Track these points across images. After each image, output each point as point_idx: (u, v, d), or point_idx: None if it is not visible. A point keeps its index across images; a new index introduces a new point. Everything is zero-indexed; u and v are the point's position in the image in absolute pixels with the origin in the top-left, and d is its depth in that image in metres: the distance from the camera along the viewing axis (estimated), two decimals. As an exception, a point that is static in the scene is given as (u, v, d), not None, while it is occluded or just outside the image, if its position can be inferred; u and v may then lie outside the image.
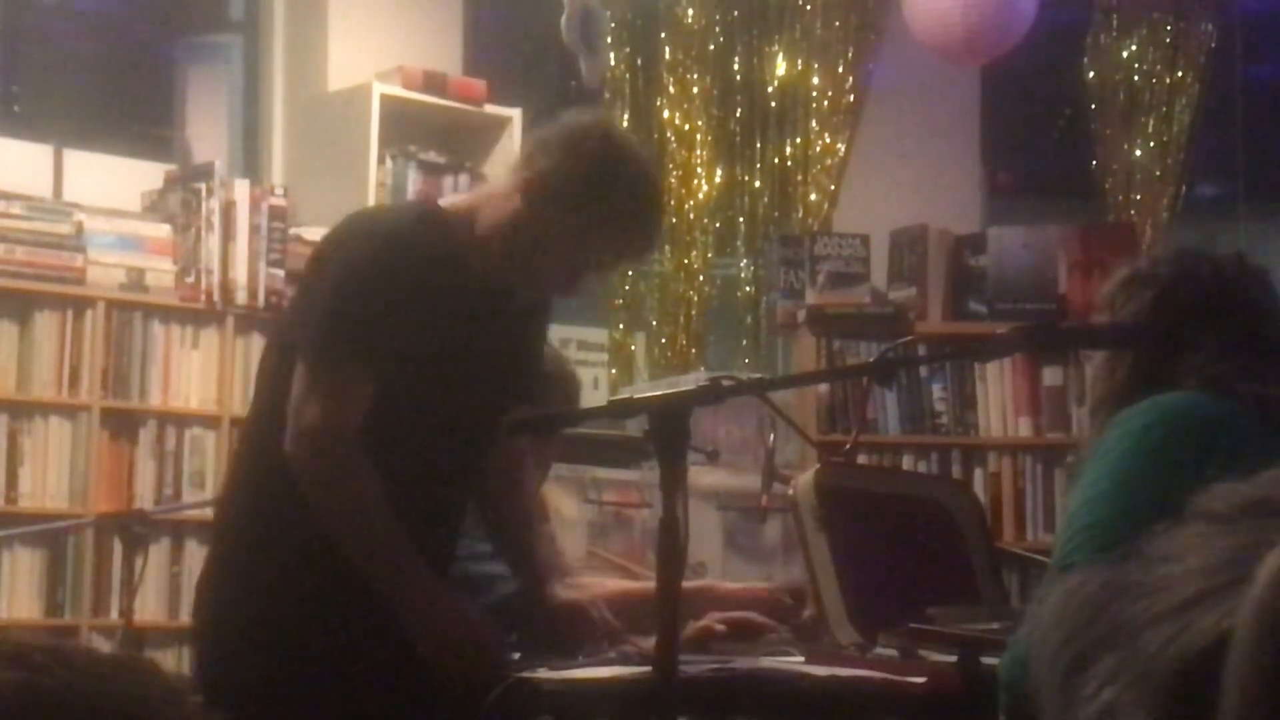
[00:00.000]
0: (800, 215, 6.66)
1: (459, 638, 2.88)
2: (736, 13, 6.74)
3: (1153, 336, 2.66)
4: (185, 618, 5.51)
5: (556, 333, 6.77)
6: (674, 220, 6.65)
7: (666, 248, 6.67)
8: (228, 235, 5.72)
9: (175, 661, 5.33)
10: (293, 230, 5.78)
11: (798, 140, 6.72)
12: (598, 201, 2.95)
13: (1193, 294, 2.70)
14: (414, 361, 2.91)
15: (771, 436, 3.97)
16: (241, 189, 5.79)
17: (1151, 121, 6.64)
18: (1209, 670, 0.93)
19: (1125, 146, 6.66)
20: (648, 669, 2.61)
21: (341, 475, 2.86)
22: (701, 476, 5.00)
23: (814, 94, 6.70)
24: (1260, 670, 0.90)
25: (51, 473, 5.48)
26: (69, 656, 1.19)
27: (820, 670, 2.94)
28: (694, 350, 6.64)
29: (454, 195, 3.13)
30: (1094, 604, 1.08)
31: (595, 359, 6.70)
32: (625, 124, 6.64)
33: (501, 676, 2.87)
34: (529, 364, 3.19)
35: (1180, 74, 6.64)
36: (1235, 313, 2.69)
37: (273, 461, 2.90)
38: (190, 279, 5.69)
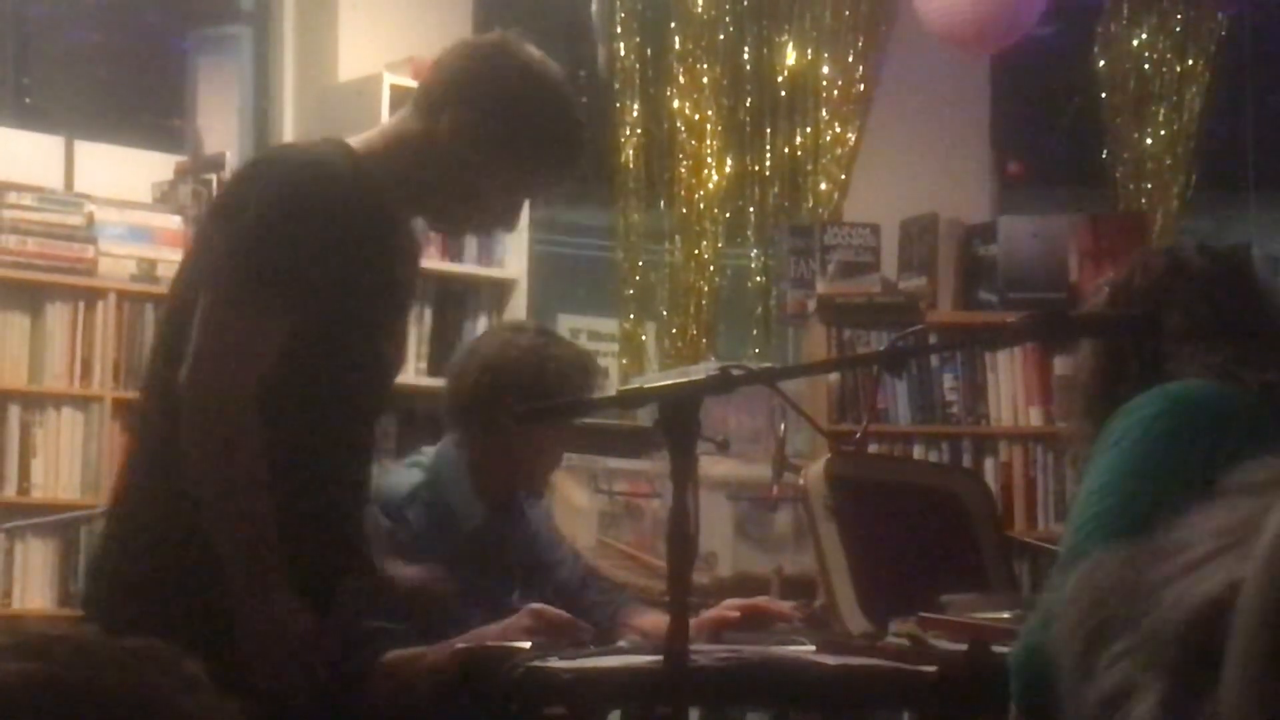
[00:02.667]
0: (810, 205, 6.65)
1: (276, 640, 2.73)
2: (746, 2, 6.73)
3: (1160, 325, 2.67)
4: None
5: (567, 323, 6.80)
6: (684, 210, 6.66)
7: (676, 238, 6.68)
8: (238, 226, 5.72)
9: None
10: (303, 221, 5.77)
11: (808, 130, 6.71)
12: (528, 136, 2.91)
13: (1191, 285, 2.70)
14: (329, 302, 2.78)
15: (782, 426, 3.98)
16: (252, 180, 5.79)
17: (1162, 110, 6.63)
18: (1217, 620, 0.94)
19: (1136, 135, 6.65)
20: (659, 658, 2.61)
21: (227, 438, 2.69)
22: (712, 466, 5.00)
23: (824, 83, 6.70)
24: (1266, 615, 0.91)
25: (64, 464, 5.49)
26: (89, 648, 1.19)
27: (831, 659, 2.95)
28: (704, 340, 6.64)
29: (361, 135, 2.93)
30: (1110, 581, 1.09)
31: (606, 349, 6.70)
32: (635, 113, 6.65)
33: (299, 690, 2.77)
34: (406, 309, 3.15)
35: (1191, 62, 6.63)
36: (1234, 302, 2.69)
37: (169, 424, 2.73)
38: (201, 270, 5.69)
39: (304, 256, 2.75)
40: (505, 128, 2.90)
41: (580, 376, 3.55)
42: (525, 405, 3.34)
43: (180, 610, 2.69)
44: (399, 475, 3.55)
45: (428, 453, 3.66)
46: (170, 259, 5.67)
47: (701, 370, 4.49)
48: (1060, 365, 5.84)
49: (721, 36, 6.71)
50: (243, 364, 2.71)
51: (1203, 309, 2.66)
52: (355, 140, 2.94)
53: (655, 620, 3.60)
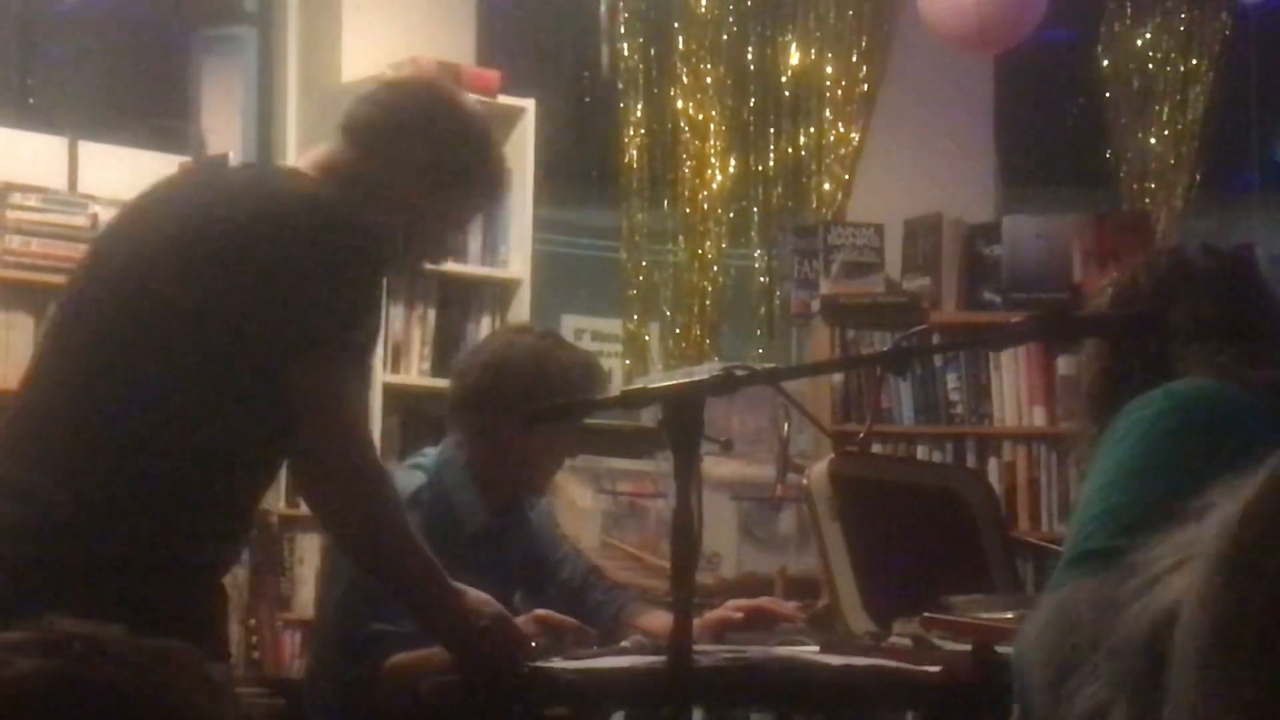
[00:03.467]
0: (814, 205, 6.65)
1: (481, 626, 2.88)
2: (750, 2, 6.73)
3: (1164, 325, 2.67)
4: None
5: (571, 323, 6.81)
6: (688, 210, 6.66)
7: (680, 238, 6.68)
8: (242, 227, 5.72)
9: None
10: (307, 221, 5.77)
11: (811, 130, 6.71)
12: (464, 173, 2.98)
13: (1195, 285, 2.71)
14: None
15: (786, 426, 3.98)
16: (256, 180, 5.80)
17: (1166, 110, 6.62)
18: (1170, 631, 0.96)
19: (1140, 135, 6.64)
20: (663, 659, 2.61)
21: (387, 492, 2.83)
22: (716, 466, 5.01)
23: (828, 83, 6.70)
24: (1201, 623, 0.93)
25: (68, 464, 5.49)
26: (108, 646, 1.19)
27: (835, 659, 2.95)
28: (708, 340, 6.64)
29: (309, 164, 2.95)
30: (1080, 607, 1.11)
31: (609, 349, 6.71)
32: (639, 113, 6.65)
33: (523, 662, 2.89)
34: None
35: (1195, 62, 6.62)
36: (1238, 302, 2.70)
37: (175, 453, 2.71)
38: (205, 270, 5.69)
39: (371, 313, 2.83)
40: (441, 169, 2.96)
41: (583, 378, 3.55)
42: (528, 407, 3.34)
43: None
44: (401, 477, 3.54)
45: (430, 454, 3.66)
46: (174, 260, 5.68)
47: (705, 370, 4.48)
48: (1064, 365, 5.84)
49: (725, 36, 6.71)
50: (364, 419, 2.86)
51: (1207, 309, 2.67)
52: (309, 169, 2.95)
53: (659, 620, 3.60)
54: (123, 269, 2.84)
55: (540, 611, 3.33)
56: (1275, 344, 2.67)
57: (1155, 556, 1.04)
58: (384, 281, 2.85)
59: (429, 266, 3.19)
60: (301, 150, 6.20)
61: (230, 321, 2.72)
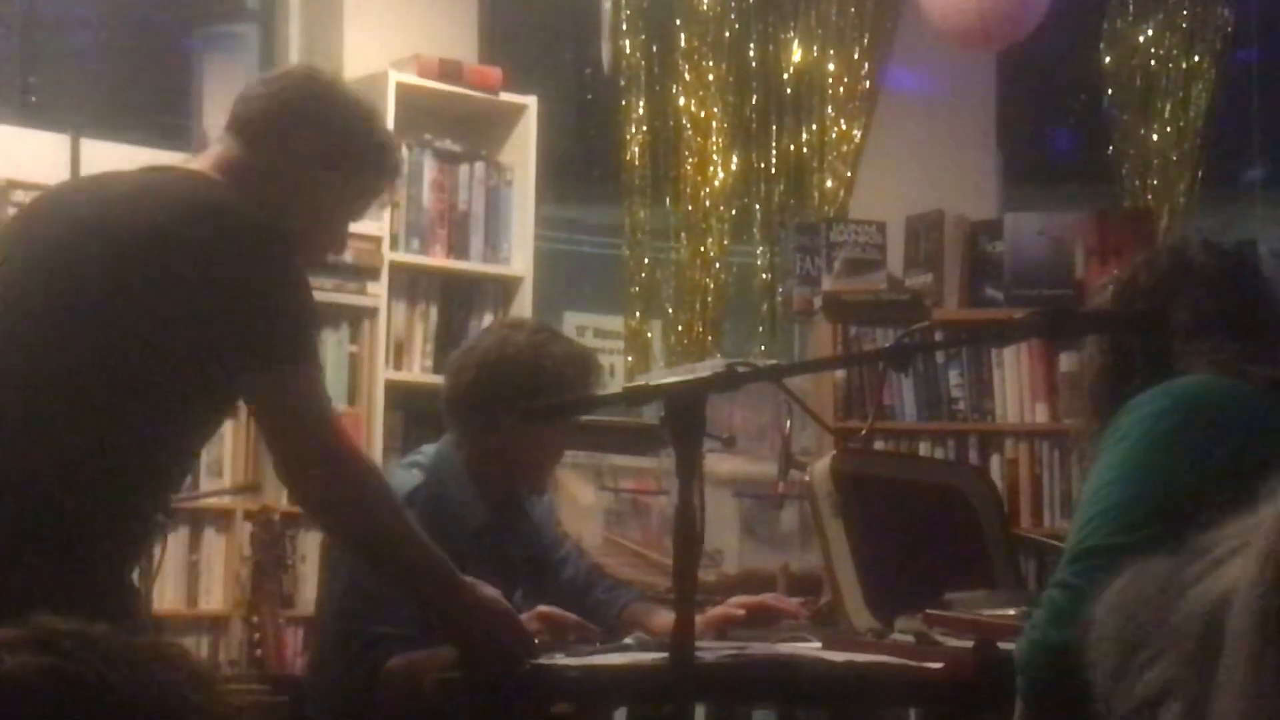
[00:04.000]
0: (816, 202, 6.65)
1: (487, 622, 2.88)
2: (752, -1, 6.74)
3: (1166, 322, 2.67)
4: (204, 605, 5.53)
5: (573, 320, 6.81)
6: (690, 207, 6.66)
7: (682, 235, 6.68)
8: (244, 224, 5.72)
9: (195, 649, 5.34)
10: (309, 218, 5.78)
11: (813, 127, 6.71)
12: (354, 161, 2.99)
13: (1196, 281, 2.71)
14: None
15: (788, 423, 3.97)
16: (258, 177, 5.80)
17: (1168, 106, 6.62)
18: (1219, 624, 0.97)
19: (1142, 131, 6.64)
20: (665, 655, 2.61)
21: (377, 484, 2.85)
22: (718, 463, 5.01)
23: (829, 80, 6.70)
24: (1253, 616, 0.93)
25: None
26: (98, 642, 1.19)
27: (837, 656, 2.95)
28: (710, 337, 6.64)
29: (191, 164, 3.03)
30: (1146, 589, 1.12)
31: (611, 346, 6.71)
32: (641, 111, 6.65)
33: (528, 658, 2.89)
34: None
35: (1197, 58, 6.62)
36: (1239, 298, 2.70)
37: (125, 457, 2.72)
38: (207, 268, 5.69)
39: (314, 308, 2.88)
40: (330, 149, 2.97)
41: (578, 373, 3.54)
42: (526, 403, 3.34)
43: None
44: (398, 476, 3.54)
45: (427, 452, 3.66)
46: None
47: (707, 367, 4.48)
48: (1066, 362, 5.84)
49: (727, 34, 6.71)
50: (334, 416, 2.85)
51: (1208, 305, 2.67)
52: (208, 169, 2.96)
53: (661, 618, 3.60)
54: (35, 271, 2.82)
55: (543, 608, 3.33)
56: (1276, 340, 2.67)
57: (1218, 539, 1.04)
58: (305, 277, 2.85)
59: (329, 257, 3.18)
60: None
61: (156, 333, 2.73)
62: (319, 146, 2.96)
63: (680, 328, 6.66)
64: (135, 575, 2.95)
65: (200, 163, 3.00)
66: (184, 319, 2.73)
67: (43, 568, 2.63)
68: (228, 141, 2.99)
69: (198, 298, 2.73)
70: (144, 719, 1.17)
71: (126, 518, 2.77)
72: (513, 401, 3.41)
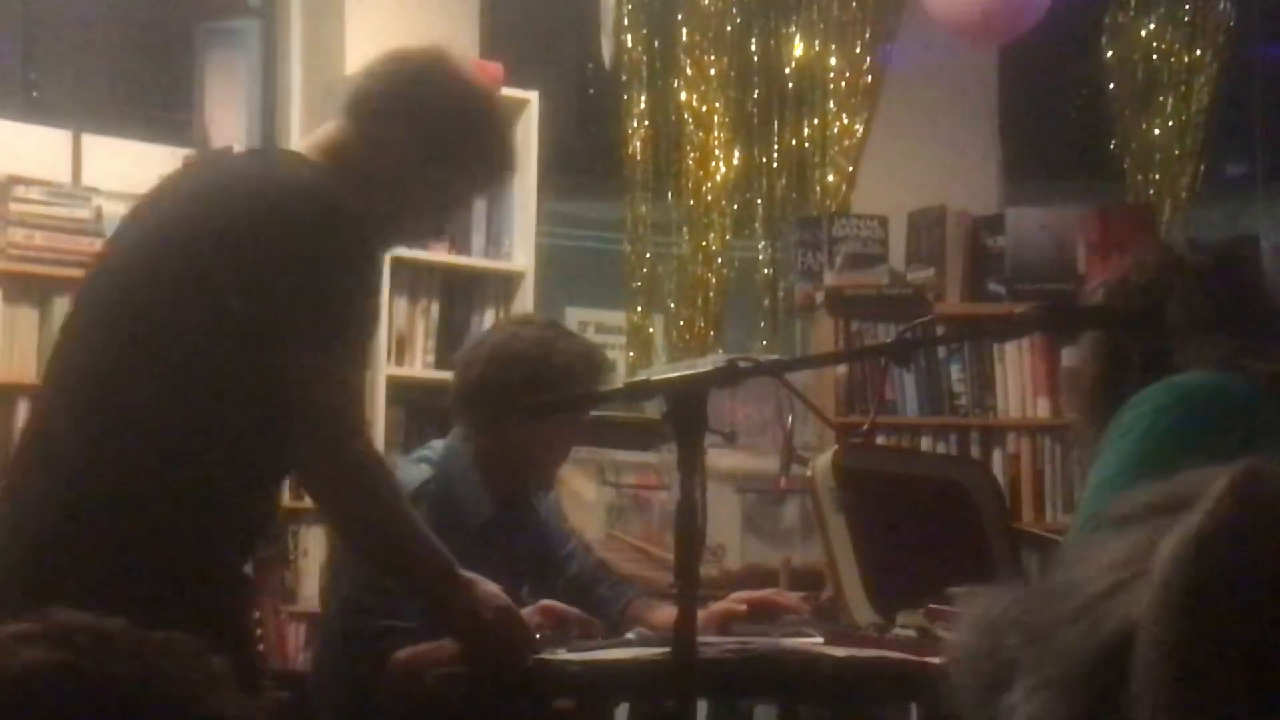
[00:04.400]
0: (818, 197, 6.65)
1: (488, 618, 2.87)
2: (753, -6, 6.73)
3: (1168, 318, 2.67)
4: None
5: (575, 315, 6.81)
6: (691, 202, 6.66)
7: (684, 229, 6.68)
8: (246, 219, 5.73)
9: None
10: (311, 214, 5.78)
11: (815, 122, 6.71)
12: (468, 150, 2.92)
13: (1187, 279, 2.71)
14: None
15: (790, 418, 3.97)
16: (259, 173, 5.80)
17: (1170, 101, 6.62)
18: (1119, 660, 0.95)
19: (1144, 126, 6.64)
20: (667, 650, 2.61)
21: (387, 482, 2.81)
22: (720, 458, 5.01)
23: (831, 75, 6.69)
24: (1163, 652, 0.92)
25: (72, 457, 5.50)
26: (112, 638, 1.19)
27: (839, 651, 2.95)
28: (712, 332, 6.64)
29: (308, 146, 2.96)
30: (1005, 620, 1.09)
31: (613, 341, 6.71)
32: (642, 105, 6.65)
33: (529, 654, 2.89)
34: None
35: (1199, 53, 6.62)
36: (1232, 294, 2.70)
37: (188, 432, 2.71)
38: (209, 263, 5.70)
39: (369, 304, 2.81)
40: (440, 141, 2.90)
41: (586, 370, 3.54)
42: (532, 399, 3.34)
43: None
44: (406, 470, 3.54)
45: (435, 447, 3.66)
46: (178, 252, 5.68)
47: (709, 362, 4.48)
48: (1068, 357, 5.83)
49: (729, 28, 6.71)
50: (360, 410, 2.80)
51: (1201, 303, 2.67)
52: (307, 151, 2.93)
53: (664, 614, 3.60)
54: (128, 263, 2.85)
55: (546, 602, 3.33)
56: (1273, 335, 2.67)
57: (1088, 576, 1.01)
58: (375, 267, 2.82)
59: (421, 243, 3.14)
60: (306, 132, 6.22)
61: (220, 314, 2.71)
62: (428, 136, 2.89)
63: (682, 323, 6.66)
64: (242, 567, 2.90)
65: (308, 140, 2.97)
66: (237, 297, 2.70)
67: (138, 559, 2.65)
68: (339, 119, 2.94)
69: (248, 275, 2.71)
70: (155, 715, 1.17)
71: (217, 507, 2.75)
72: (521, 397, 3.41)
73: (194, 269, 2.74)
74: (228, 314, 2.71)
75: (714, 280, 6.66)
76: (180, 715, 1.18)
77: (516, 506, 3.66)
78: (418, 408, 5.73)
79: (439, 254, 5.93)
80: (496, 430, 3.55)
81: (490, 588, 2.91)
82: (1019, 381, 5.99)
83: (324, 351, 2.71)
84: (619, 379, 6.10)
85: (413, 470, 3.55)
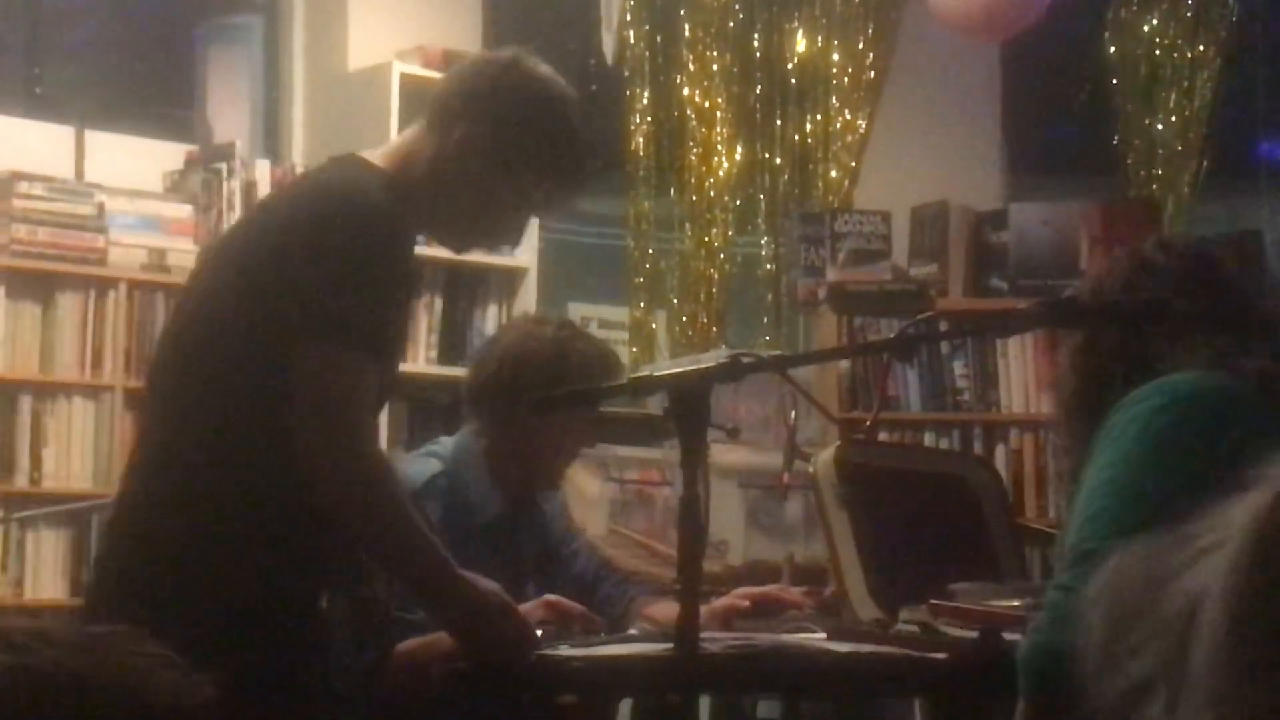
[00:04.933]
0: (821, 192, 6.65)
1: (488, 617, 2.87)
2: (756, -11, 6.73)
3: (1170, 314, 2.66)
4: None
5: (577, 311, 6.81)
6: (694, 198, 6.66)
7: (687, 225, 6.68)
8: (249, 215, 5.74)
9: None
10: (314, 210, 5.78)
11: (818, 117, 6.71)
12: (540, 156, 2.89)
13: (1159, 280, 2.71)
14: (395, 340, 2.87)
15: (793, 414, 3.97)
16: (262, 169, 5.81)
17: (1173, 96, 6.61)
18: (1194, 619, 0.98)
19: (1147, 121, 6.64)
20: (670, 646, 2.61)
21: (374, 472, 2.77)
22: (723, 454, 5.00)
23: (834, 70, 6.69)
24: (1229, 605, 0.94)
25: (75, 453, 5.50)
26: (52, 635, 1.22)
27: (842, 647, 2.95)
28: (715, 328, 6.64)
29: (369, 152, 2.93)
30: (1129, 577, 1.12)
31: (616, 337, 6.70)
32: (645, 101, 6.65)
33: (530, 652, 2.89)
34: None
35: (1202, 48, 6.61)
36: (1207, 294, 2.70)
37: (240, 444, 2.75)
38: (212, 259, 5.71)
39: (389, 304, 2.79)
40: (515, 144, 2.88)
41: (602, 372, 3.53)
42: (536, 395, 3.34)
43: (194, 612, 2.70)
44: (416, 465, 3.54)
45: (445, 443, 3.66)
46: (181, 248, 5.68)
47: (712, 358, 4.48)
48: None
49: (731, 24, 6.71)
50: (365, 414, 2.77)
51: (1178, 304, 2.67)
52: (376, 158, 2.92)
53: (668, 610, 3.59)
54: (203, 274, 2.92)
55: (550, 597, 3.33)
56: (1255, 333, 2.67)
57: (1201, 530, 1.05)
58: (400, 272, 2.80)
59: (498, 248, 3.14)
60: (307, 139, 6.23)
61: (255, 316, 2.74)
62: (507, 137, 2.87)
63: (685, 318, 6.66)
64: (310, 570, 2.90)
65: (386, 146, 2.96)
66: (264, 299, 2.73)
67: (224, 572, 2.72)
68: (418, 123, 2.93)
69: (272, 272, 2.73)
70: (109, 701, 1.19)
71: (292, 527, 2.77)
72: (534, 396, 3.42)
73: (238, 278, 2.79)
74: (260, 316, 2.73)
75: (717, 276, 6.66)
76: (121, 698, 1.20)
77: (524, 505, 3.66)
78: (420, 403, 5.74)
79: (442, 250, 5.92)
80: (508, 428, 3.55)
81: (488, 585, 2.90)
82: (1022, 377, 5.99)
83: (329, 348, 2.71)
84: (622, 375, 6.09)
85: (421, 464, 3.55)
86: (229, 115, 6.29)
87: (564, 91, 2.98)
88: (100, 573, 2.90)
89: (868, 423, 4.08)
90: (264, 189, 5.75)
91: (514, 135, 2.88)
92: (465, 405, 3.67)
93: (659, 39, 6.70)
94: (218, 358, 2.78)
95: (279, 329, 2.71)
